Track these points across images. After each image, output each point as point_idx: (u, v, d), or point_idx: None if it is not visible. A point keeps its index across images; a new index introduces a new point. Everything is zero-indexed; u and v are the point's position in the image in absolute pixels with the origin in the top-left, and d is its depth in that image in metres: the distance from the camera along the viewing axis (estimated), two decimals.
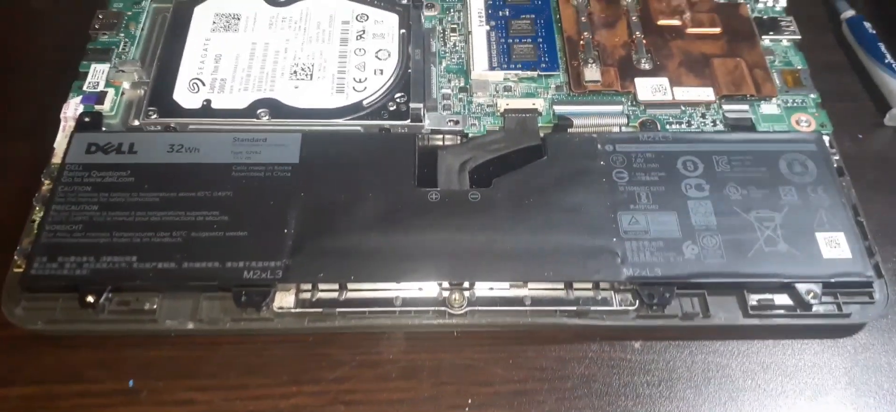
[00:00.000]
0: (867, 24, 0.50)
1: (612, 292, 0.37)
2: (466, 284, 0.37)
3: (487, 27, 0.47)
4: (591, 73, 0.45)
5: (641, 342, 0.37)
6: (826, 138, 0.43)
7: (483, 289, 0.37)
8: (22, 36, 0.52)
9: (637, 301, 0.37)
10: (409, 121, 0.42)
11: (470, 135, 0.43)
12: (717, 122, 0.44)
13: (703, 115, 0.44)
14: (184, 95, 0.43)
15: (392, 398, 0.35)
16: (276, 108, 0.42)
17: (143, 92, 0.44)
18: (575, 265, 0.37)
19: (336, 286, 0.37)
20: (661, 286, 0.36)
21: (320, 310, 0.36)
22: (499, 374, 0.36)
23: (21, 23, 0.53)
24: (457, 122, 0.43)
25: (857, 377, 0.36)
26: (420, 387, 0.36)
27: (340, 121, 0.42)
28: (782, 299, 0.37)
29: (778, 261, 0.37)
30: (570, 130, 0.43)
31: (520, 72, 0.45)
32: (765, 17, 0.49)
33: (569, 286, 0.37)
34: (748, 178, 0.40)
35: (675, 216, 0.38)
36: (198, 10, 0.47)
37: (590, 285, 0.37)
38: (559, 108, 0.44)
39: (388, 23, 0.47)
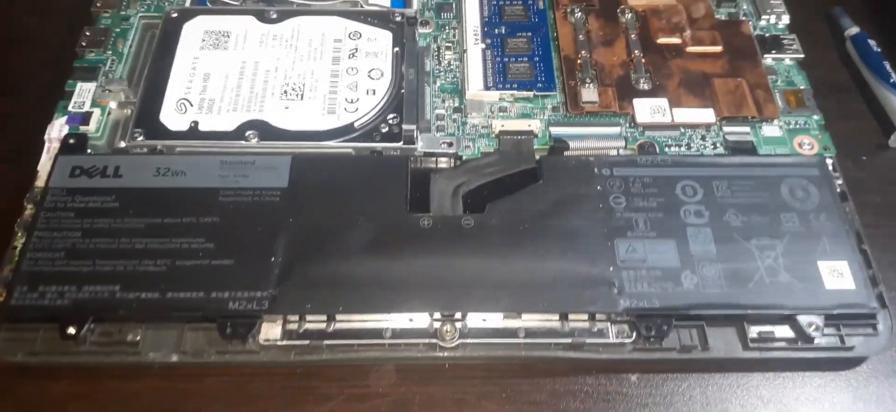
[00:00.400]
0: (872, 42, 0.49)
1: (609, 324, 0.36)
2: (458, 315, 0.36)
3: (483, 45, 0.46)
4: (589, 93, 0.44)
5: (638, 375, 0.36)
6: (829, 162, 0.41)
7: (476, 320, 0.36)
8: (7, 53, 0.51)
9: (634, 333, 0.36)
10: (401, 143, 0.41)
11: (464, 157, 0.42)
12: (718, 145, 0.43)
13: (703, 138, 0.43)
14: (171, 116, 0.42)
15: None
16: (266, 130, 0.41)
17: (130, 111, 0.43)
18: (570, 296, 0.36)
19: (324, 317, 0.36)
20: (659, 318, 0.35)
21: (307, 342, 0.35)
22: (491, 409, 0.35)
23: (6, 39, 0.52)
24: (451, 144, 0.42)
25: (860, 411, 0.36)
26: None
27: (331, 143, 0.41)
28: (783, 331, 0.36)
29: (779, 292, 0.36)
30: (566, 153, 0.42)
31: (515, 92, 0.44)
32: (767, 35, 0.48)
33: (564, 318, 0.36)
34: (749, 204, 0.39)
35: (673, 244, 0.37)
36: (187, 27, 0.46)
37: (585, 317, 0.36)
38: (555, 130, 0.43)
39: (381, 41, 0.46)
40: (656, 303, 0.35)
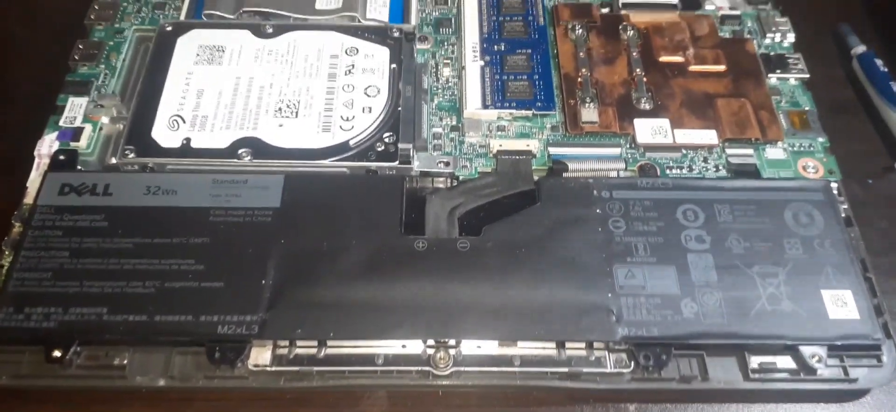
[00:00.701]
0: (879, 62, 0.48)
1: (607, 352, 0.35)
2: (452, 342, 0.35)
3: (481, 62, 0.45)
4: (589, 113, 0.43)
5: (636, 405, 0.36)
6: (834, 186, 0.41)
7: (470, 347, 0.35)
8: None
9: (632, 362, 0.35)
10: (397, 162, 0.40)
11: (461, 177, 0.41)
12: (720, 167, 0.42)
13: (706, 160, 0.42)
14: (163, 133, 0.41)
15: None
16: (259, 148, 0.40)
17: (122, 127, 0.42)
18: (567, 323, 0.35)
19: (315, 343, 0.35)
20: (658, 347, 0.35)
21: (298, 368, 0.35)
22: None
23: None
24: (447, 164, 0.41)
25: None
26: None
27: (326, 162, 0.40)
28: (785, 361, 0.35)
29: (781, 322, 0.35)
30: (565, 175, 0.41)
31: (514, 111, 0.43)
32: (772, 53, 0.47)
33: (561, 346, 0.35)
34: (752, 230, 0.38)
35: (673, 270, 0.36)
36: (181, 41, 0.45)
37: (583, 345, 0.35)
38: (554, 150, 0.42)
39: (378, 57, 0.45)
40: (655, 331, 0.35)
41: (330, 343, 0.35)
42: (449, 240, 0.38)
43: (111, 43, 0.47)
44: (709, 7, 0.50)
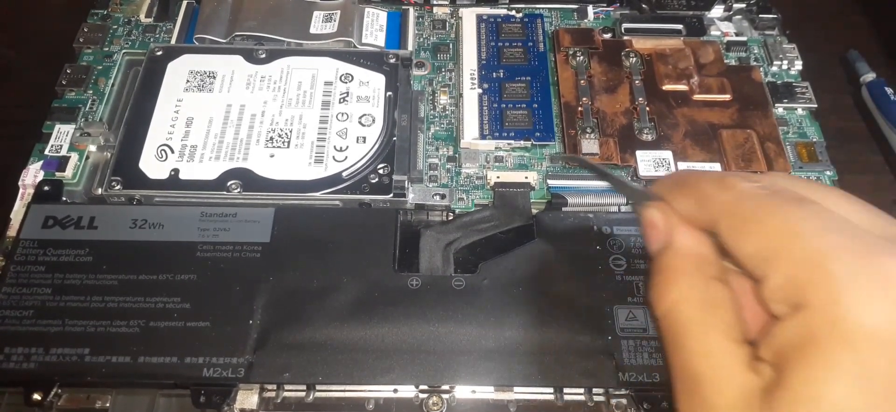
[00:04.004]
0: (889, 90, 0.47)
1: (606, 399, 0.34)
2: (446, 387, 0.34)
3: (479, 90, 0.44)
4: (589, 145, 0.41)
5: None
6: None
7: (464, 392, 0.34)
8: None
9: (632, 409, 0.34)
10: (391, 195, 0.39)
11: (457, 210, 0.40)
12: None
13: None
14: (151, 164, 0.40)
15: None
16: (249, 180, 0.39)
17: (109, 155, 0.41)
18: (566, 368, 0.34)
19: (303, 386, 0.34)
20: (660, 393, 0.33)
21: None
22: None
23: None
24: (443, 196, 0.40)
25: None
26: None
27: (318, 194, 0.39)
28: None
29: None
30: (564, 209, 0.40)
31: (512, 142, 0.42)
32: (779, 82, 0.46)
33: (559, 391, 0.34)
34: None
35: None
36: (171, 67, 0.44)
37: (582, 391, 0.34)
38: (553, 183, 0.41)
39: (373, 84, 0.44)
40: (657, 377, 0.33)
41: (319, 387, 0.34)
42: (443, 277, 0.36)
43: (100, 67, 0.46)
44: (714, 33, 0.49)
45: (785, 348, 0.22)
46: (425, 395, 0.34)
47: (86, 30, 0.47)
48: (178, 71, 0.44)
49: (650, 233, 0.28)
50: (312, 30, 0.47)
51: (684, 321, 0.25)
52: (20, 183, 0.40)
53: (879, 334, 0.21)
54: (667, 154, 0.42)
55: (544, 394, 0.34)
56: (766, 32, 0.49)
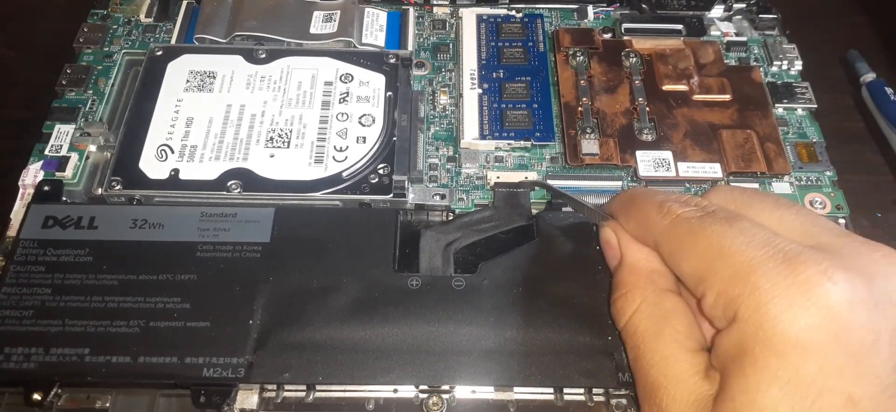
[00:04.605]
0: (889, 90, 0.47)
1: (606, 399, 0.34)
2: (446, 387, 0.34)
3: (479, 90, 0.44)
4: (589, 146, 0.41)
5: None
6: (842, 221, 0.39)
7: (464, 392, 0.34)
8: None
9: (633, 409, 0.34)
10: (391, 195, 0.39)
11: (457, 210, 0.40)
12: None
13: None
14: (151, 164, 0.40)
15: None
16: (249, 180, 0.39)
17: (109, 155, 0.41)
18: (566, 368, 0.34)
19: (303, 387, 0.34)
20: None
21: None
22: None
23: None
24: (443, 197, 0.40)
25: None
26: None
27: (318, 194, 0.39)
28: None
29: None
30: (564, 209, 0.40)
31: (512, 142, 0.42)
32: (779, 82, 0.46)
33: (559, 391, 0.34)
34: None
35: None
36: (171, 67, 0.44)
37: (582, 391, 0.34)
38: (553, 183, 0.41)
39: (373, 84, 0.44)
40: None
41: (319, 387, 0.34)
42: (443, 277, 0.36)
43: (100, 67, 0.46)
44: (714, 33, 0.49)
45: (724, 358, 0.23)
46: (425, 395, 0.34)
47: (86, 30, 0.47)
48: (178, 71, 0.44)
49: (606, 250, 0.31)
50: (312, 30, 0.47)
51: (641, 332, 0.27)
52: (20, 183, 0.40)
53: (804, 341, 0.22)
54: (667, 154, 0.41)
55: (544, 394, 0.34)
56: (766, 32, 0.49)
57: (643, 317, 0.27)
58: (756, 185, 0.41)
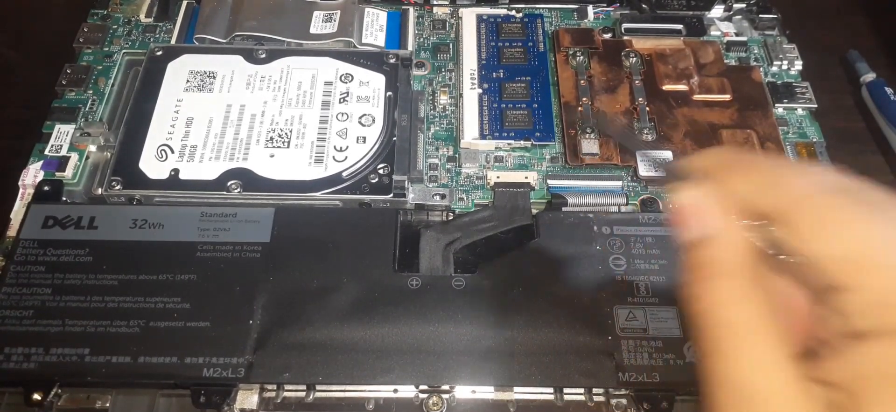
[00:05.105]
0: (889, 90, 0.47)
1: (606, 399, 0.34)
2: (446, 387, 0.34)
3: (479, 90, 0.44)
4: (589, 146, 0.41)
5: None
6: None
7: (464, 392, 0.34)
8: None
9: (632, 409, 0.34)
10: (391, 195, 0.39)
11: (457, 210, 0.40)
12: None
13: None
14: (151, 164, 0.40)
15: None
16: (249, 180, 0.39)
17: (109, 154, 0.41)
18: (566, 368, 0.34)
19: (303, 386, 0.34)
20: (660, 393, 0.33)
21: None
22: None
23: None
24: (443, 196, 0.40)
25: None
26: None
27: (318, 194, 0.39)
28: None
29: None
30: (564, 209, 0.40)
31: (512, 142, 0.42)
32: (779, 82, 0.46)
33: (559, 391, 0.34)
34: None
35: (675, 311, 0.35)
36: (171, 67, 0.44)
37: (582, 391, 0.34)
38: (553, 183, 0.41)
39: (373, 84, 0.44)
40: (657, 377, 0.33)
41: (319, 387, 0.34)
42: (443, 277, 0.36)
43: (100, 67, 0.46)
44: (714, 33, 0.49)
45: (869, 374, 0.19)
46: (425, 395, 0.34)
47: (86, 30, 0.47)
48: (178, 71, 0.44)
49: (687, 217, 0.23)
50: (312, 30, 0.47)
51: (732, 324, 0.21)
52: (20, 183, 0.40)
53: None
54: (667, 154, 0.41)
55: (544, 394, 0.34)
56: (766, 32, 0.49)
57: (737, 308, 0.19)
58: None
